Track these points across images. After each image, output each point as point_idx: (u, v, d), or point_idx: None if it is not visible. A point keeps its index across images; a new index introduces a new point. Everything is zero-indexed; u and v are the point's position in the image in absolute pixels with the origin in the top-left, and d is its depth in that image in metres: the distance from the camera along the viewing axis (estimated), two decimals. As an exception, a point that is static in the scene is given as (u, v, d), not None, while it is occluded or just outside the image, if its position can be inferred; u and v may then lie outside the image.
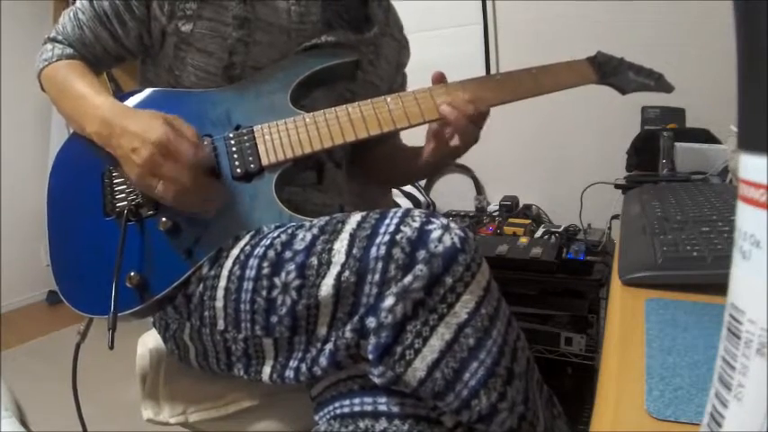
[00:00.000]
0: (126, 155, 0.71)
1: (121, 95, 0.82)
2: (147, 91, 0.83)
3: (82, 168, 0.80)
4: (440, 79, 0.81)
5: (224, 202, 0.74)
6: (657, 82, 0.91)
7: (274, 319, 0.66)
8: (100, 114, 0.75)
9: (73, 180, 0.81)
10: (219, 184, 0.74)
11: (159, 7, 0.78)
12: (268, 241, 0.69)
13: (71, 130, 0.83)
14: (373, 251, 0.61)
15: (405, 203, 1.95)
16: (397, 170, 1.01)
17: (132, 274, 0.72)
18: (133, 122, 0.71)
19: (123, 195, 0.77)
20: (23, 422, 1.07)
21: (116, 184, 0.78)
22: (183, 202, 0.71)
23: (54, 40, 0.85)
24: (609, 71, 0.88)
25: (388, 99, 0.78)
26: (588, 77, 0.88)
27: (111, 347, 0.69)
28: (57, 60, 0.83)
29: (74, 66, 0.83)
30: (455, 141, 0.81)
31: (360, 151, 0.98)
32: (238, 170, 0.76)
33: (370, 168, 1.02)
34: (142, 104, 0.81)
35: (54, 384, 1.94)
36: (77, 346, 0.78)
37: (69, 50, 0.84)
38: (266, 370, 0.69)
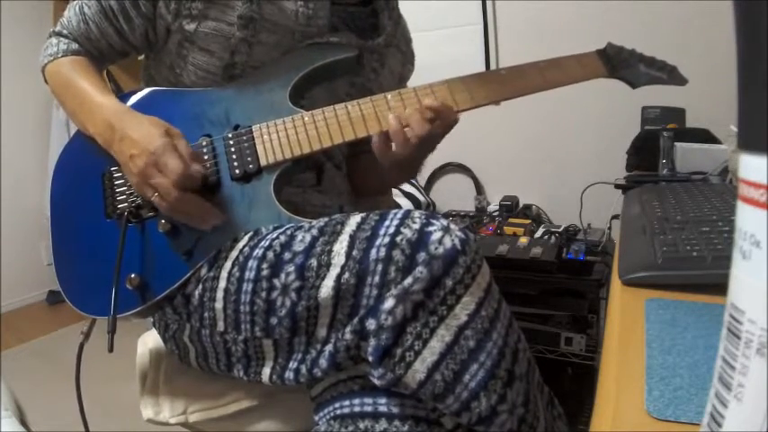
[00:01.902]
0: (125, 161, 0.72)
1: (122, 95, 0.82)
2: (147, 90, 0.83)
3: (83, 170, 0.81)
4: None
5: (218, 222, 0.73)
6: (670, 75, 0.87)
7: (274, 320, 0.66)
8: (103, 116, 0.75)
9: (74, 182, 0.81)
10: (210, 206, 0.72)
11: (165, 6, 0.78)
12: (267, 242, 0.69)
13: (71, 131, 0.84)
14: (373, 253, 0.61)
15: (405, 203, 1.95)
16: (378, 179, 0.99)
17: (133, 275, 0.72)
18: (134, 129, 0.72)
19: (124, 197, 0.77)
20: (23, 422, 1.07)
21: (117, 185, 0.78)
22: (175, 216, 0.71)
23: (59, 34, 0.85)
24: (619, 64, 0.85)
25: (389, 96, 0.77)
26: (597, 71, 0.84)
27: (111, 350, 0.69)
28: (62, 56, 0.83)
29: (78, 62, 0.83)
30: (394, 148, 0.76)
31: (348, 157, 0.97)
32: (237, 171, 0.76)
33: (354, 177, 1.00)
34: (142, 104, 0.81)
35: (54, 384, 1.95)
36: (81, 346, 0.78)
37: (74, 45, 0.84)
38: (266, 371, 0.69)
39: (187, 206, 0.70)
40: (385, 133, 0.76)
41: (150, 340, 0.87)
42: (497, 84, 0.80)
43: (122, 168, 0.74)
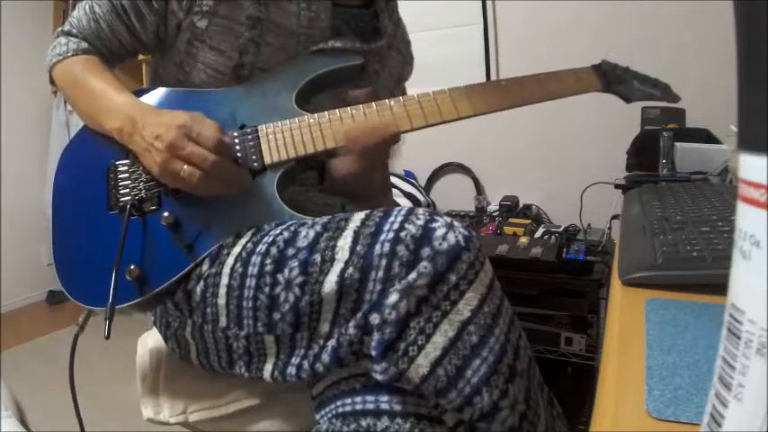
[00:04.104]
0: (148, 145, 0.71)
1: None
2: (155, 90, 0.84)
3: (88, 164, 0.81)
4: (369, 97, 0.79)
5: (247, 186, 0.74)
6: (663, 92, 0.90)
7: (277, 315, 0.66)
8: (123, 111, 0.76)
9: (78, 175, 0.82)
10: (242, 168, 0.74)
11: (177, 1, 0.79)
12: (270, 238, 0.69)
13: (71, 131, 0.84)
14: (377, 248, 0.61)
15: (405, 203, 1.95)
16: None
17: (132, 267, 0.73)
18: (157, 117, 0.73)
19: (127, 190, 0.78)
20: (23, 422, 1.07)
21: (120, 179, 0.79)
22: (208, 185, 0.71)
23: (68, 33, 0.85)
24: (614, 80, 0.88)
25: (391, 102, 0.78)
26: (593, 86, 0.87)
27: (107, 337, 0.69)
28: (72, 55, 0.83)
29: (90, 61, 0.83)
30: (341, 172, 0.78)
31: None
32: None
33: None
34: (150, 103, 0.82)
35: (54, 384, 1.94)
36: (75, 337, 0.78)
37: (84, 45, 0.84)
38: (268, 367, 0.69)
39: (222, 170, 0.70)
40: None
41: (150, 340, 0.87)
42: (497, 94, 0.82)
43: (142, 156, 0.74)
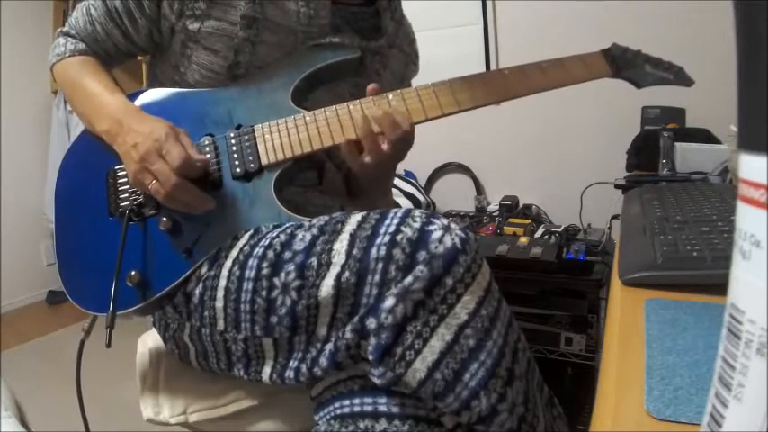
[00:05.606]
0: (127, 151, 0.72)
1: (127, 96, 0.83)
2: (151, 91, 0.84)
3: (88, 169, 0.81)
4: (374, 92, 0.78)
5: (211, 209, 0.73)
6: (677, 75, 0.87)
7: (274, 319, 0.66)
8: (111, 113, 0.76)
9: (79, 180, 0.82)
10: (205, 195, 0.73)
11: (169, 6, 0.79)
12: (267, 241, 0.69)
13: (71, 131, 0.84)
14: (373, 252, 0.61)
15: (405, 203, 1.95)
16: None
17: (133, 272, 0.73)
18: (141, 123, 0.73)
19: (126, 195, 0.78)
20: (23, 422, 1.07)
21: (120, 184, 0.79)
22: (170, 204, 0.72)
23: (67, 34, 0.86)
24: (624, 64, 0.84)
25: (390, 96, 0.77)
26: (602, 71, 0.83)
27: (108, 345, 0.69)
28: (69, 56, 0.84)
29: (87, 62, 0.84)
30: (366, 159, 0.76)
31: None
32: (238, 170, 0.76)
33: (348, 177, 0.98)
34: (146, 104, 0.82)
35: (54, 384, 1.94)
36: (82, 343, 0.79)
37: (81, 46, 0.85)
38: (266, 370, 0.69)
39: (184, 194, 0.71)
40: (355, 140, 0.75)
41: (150, 340, 0.87)
42: (500, 84, 0.80)
43: (123, 159, 0.74)
